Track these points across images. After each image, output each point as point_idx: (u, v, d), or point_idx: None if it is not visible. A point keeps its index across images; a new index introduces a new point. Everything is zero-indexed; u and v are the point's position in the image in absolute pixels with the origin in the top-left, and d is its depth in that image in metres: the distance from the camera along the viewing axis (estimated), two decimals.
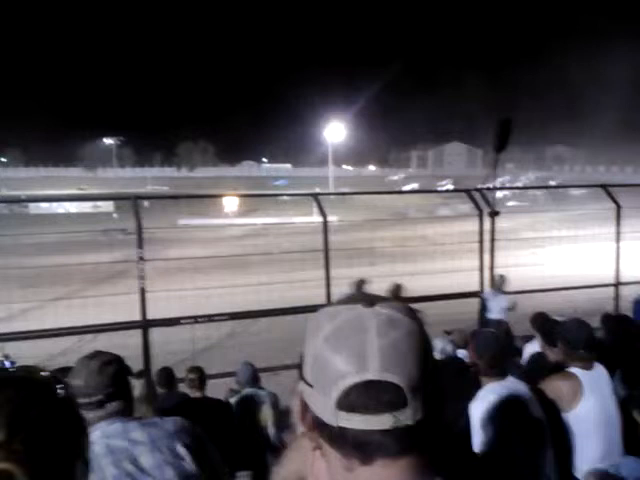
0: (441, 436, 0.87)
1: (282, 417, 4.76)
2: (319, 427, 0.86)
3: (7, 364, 6.08)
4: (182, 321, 7.07)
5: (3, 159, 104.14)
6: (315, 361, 0.86)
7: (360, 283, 7.87)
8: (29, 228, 28.09)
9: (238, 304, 9.26)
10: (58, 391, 0.89)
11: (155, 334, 7.16)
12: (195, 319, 7.19)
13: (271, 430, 4.56)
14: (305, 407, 0.88)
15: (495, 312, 8.26)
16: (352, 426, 0.82)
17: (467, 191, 9.07)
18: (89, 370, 1.95)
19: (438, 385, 0.87)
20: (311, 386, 0.86)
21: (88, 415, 1.86)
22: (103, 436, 1.84)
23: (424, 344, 0.87)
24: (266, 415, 4.56)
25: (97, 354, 2.04)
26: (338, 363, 0.83)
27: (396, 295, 7.75)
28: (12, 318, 11.69)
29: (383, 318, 0.86)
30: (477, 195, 8.94)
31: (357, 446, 0.83)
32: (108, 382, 1.95)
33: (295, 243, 18.23)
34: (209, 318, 7.35)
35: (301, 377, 0.89)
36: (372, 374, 0.81)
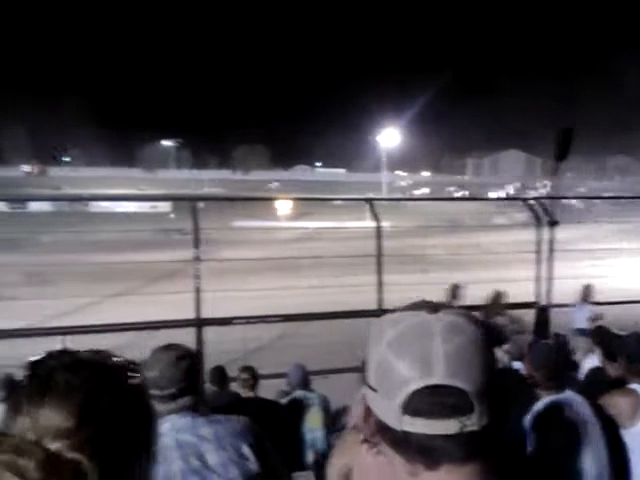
0: (504, 443, 0.87)
1: (332, 420, 4.77)
2: (382, 431, 0.87)
3: None
4: (235, 321, 7.17)
5: (66, 159, 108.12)
6: (379, 366, 0.87)
7: (455, 288, 7.88)
8: (90, 226, 29.08)
9: (289, 306, 9.33)
10: (130, 379, 0.88)
11: (208, 333, 7.28)
12: (248, 319, 7.29)
13: (320, 433, 4.58)
14: (368, 411, 0.90)
15: (581, 323, 8.08)
16: (416, 430, 0.83)
17: (524, 199, 8.90)
18: (164, 362, 1.93)
19: (501, 391, 0.87)
20: (375, 390, 0.88)
21: (159, 407, 1.84)
22: (173, 429, 1.85)
23: (487, 351, 0.87)
24: (316, 418, 4.57)
25: (172, 347, 2.02)
26: (402, 368, 0.84)
27: (496, 302, 7.70)
28: (73, 312, 12.07)
29: (447, 324, 0.87)
30: (532, 204, 8.77)
31: (421, 451, 0.83)
32: (181, 376, 1.93)
33: (347, 247, 18.24)
34: (262, 319, 7.44)
35: (364, 382, 0.90)
36: (437, 379, 0.82)
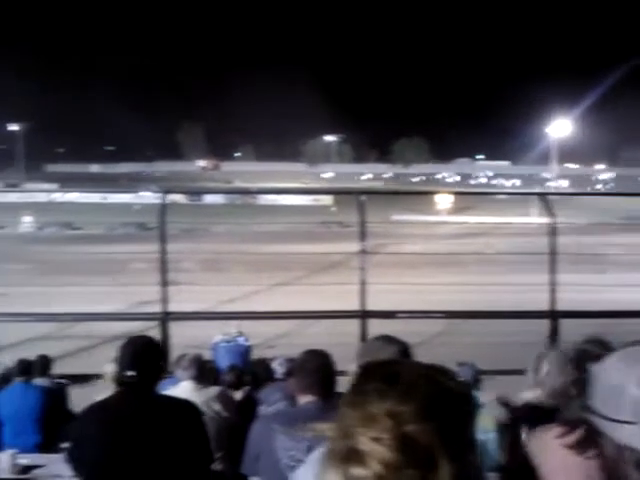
0: None
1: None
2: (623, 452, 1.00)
3: (241, 340, 6.70)
4: (398, 315, 7.15)
5: (238, 154, 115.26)
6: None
7: None
8: (257, 218, 30.72)
9: (451, 302, 9.12)
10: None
11: (371, 326, 7.33)
12: (412, 314, 7.24)
13: (493, 435, 4.41)
14: (592, 435, 1.05)
15: None
16: None
17: None
18: None
19: None
20: (633, 423, 0.99)
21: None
22: None
23: None
24: (488, 418, 4.41)
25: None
26: None
27: None
28: (242, 299, 12.75)
29: None
30: None
31: None
32: None
33: (509, 244, 17.49)
34: (426, 314, 7.35)
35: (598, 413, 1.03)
36: None
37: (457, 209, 38.26)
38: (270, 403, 3.50)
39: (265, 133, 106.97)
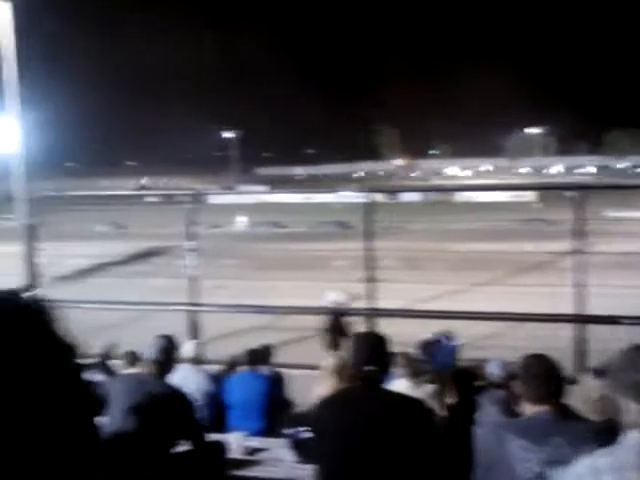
0: None
1: None
2: None
3: (448, 339, 6.60)
4: (622, 321, 6.49)
5: (434, 152, 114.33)
6: None
7: None
8: (454, 215, 30.15)
9: None
10: None
11: (587, 331, 6.77)
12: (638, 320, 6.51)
13: None
14: None
15: None
16: None
17: None
18: None
19: None
20: None
21: None
22: None
23: None
24: None
25: None
26: None
27: None
28: (440, 297, 12.56)
29: None
30: None
31: None
32: None
33: None
34: None
35: None
36: None
37: None
38: (487, 408, 3.38)
39: (462, 129, 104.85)
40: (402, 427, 2.34)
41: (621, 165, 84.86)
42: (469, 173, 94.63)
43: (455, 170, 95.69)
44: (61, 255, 10.99)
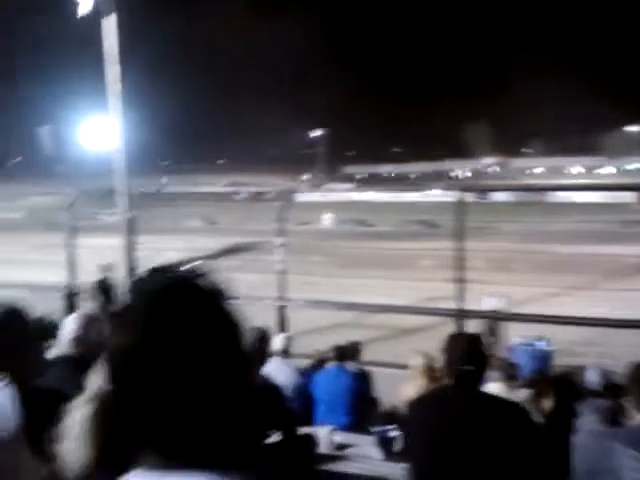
0: None
1: None
2: None
3: (542, 344, 6.38)
4: None
5: (527, 150, 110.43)
6: None
7: None
8: (548, 216, 29.07)
9: None
10: None
11: None
12: None
13: None
14: None
15: None
16: None
17: None
18: None
19: None
20: None
21: None
22: None
23: None
24: None
25: None
26: None
27: None
28: (533, 301, 12.17)
29: None
30: None
31: None
32: None
33: None
34: None
35: None
36: None
37: None
38: (587, 416, 3.23)
39: (556, 126, 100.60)
40: (500, 430, 2.28)
41: None
42: (582, 170, 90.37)
43: (553, 167, 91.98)
44: (156, 249, 11.46)
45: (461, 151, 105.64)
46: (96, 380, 1.73)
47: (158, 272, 0.88)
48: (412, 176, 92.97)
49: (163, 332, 0.79)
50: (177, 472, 0.78)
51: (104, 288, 9.29)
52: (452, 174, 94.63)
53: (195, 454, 0.79)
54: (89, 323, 3.19)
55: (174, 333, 0.79)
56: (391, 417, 4.29)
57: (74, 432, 1.55)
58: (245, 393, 0.87)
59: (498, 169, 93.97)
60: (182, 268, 0.89)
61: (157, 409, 0.78)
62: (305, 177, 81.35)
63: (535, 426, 2.43)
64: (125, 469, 0.83)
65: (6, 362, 1.86)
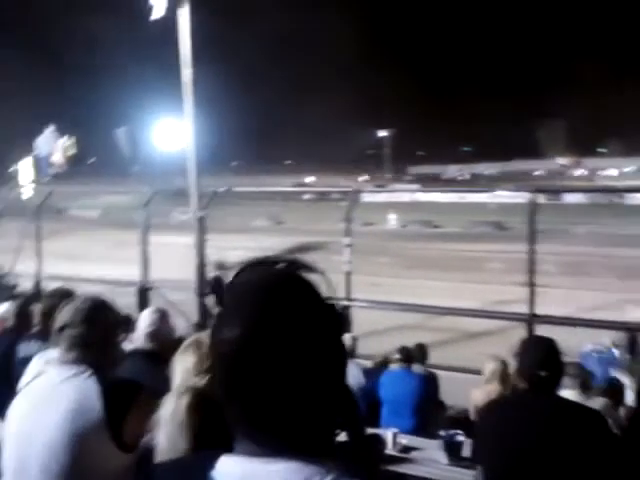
0: None
1: None
2: None
3: (616, 352, 6.13)
4: None
5: (602, 149, 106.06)
6: None
7: None
8: (625, 219, 27.81)
9: None
10: None
11: None
12: None
13: None
14: None
15: None
16: None
17: None
18: None
19: None
20: None
21: None
22: None
23: None
24: None
25: None
26: None
27: None
28: (606, 307, 11.71)
29: None
30: None
31: None
32: None
33: None
34: None
35: None
36: None
37: None
38: None
39: (635, 125, 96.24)
40: (578, 437, 2.20)
41: None
42: None
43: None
44: (224, 247, 11.70)
45: (533, 151, 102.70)
46: (183, 373, 1.80)
47: (258, 266, 0.91)
48: (486, 173, 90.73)
49: (272, 325, 0.81)
50: (266, 458, 0.81)
51: (220, 284, 9.47)
52: (535, 173, 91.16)
53: (286, 442, 0.82)
54: (162, 318, 3.32)
55: (283, 326, 0.81)
56: (457, 421, 4.23)
57: (168, 422, 1.61)
58: (340, 386, 0.89)
59: (572, 169, 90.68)
60: (280, 262, 0.90)
61: (260, 400, 0.81)
62: (363, 178, 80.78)
63: (614, 435, 2.34)
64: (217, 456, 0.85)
65: (92, 353, 1.95)
